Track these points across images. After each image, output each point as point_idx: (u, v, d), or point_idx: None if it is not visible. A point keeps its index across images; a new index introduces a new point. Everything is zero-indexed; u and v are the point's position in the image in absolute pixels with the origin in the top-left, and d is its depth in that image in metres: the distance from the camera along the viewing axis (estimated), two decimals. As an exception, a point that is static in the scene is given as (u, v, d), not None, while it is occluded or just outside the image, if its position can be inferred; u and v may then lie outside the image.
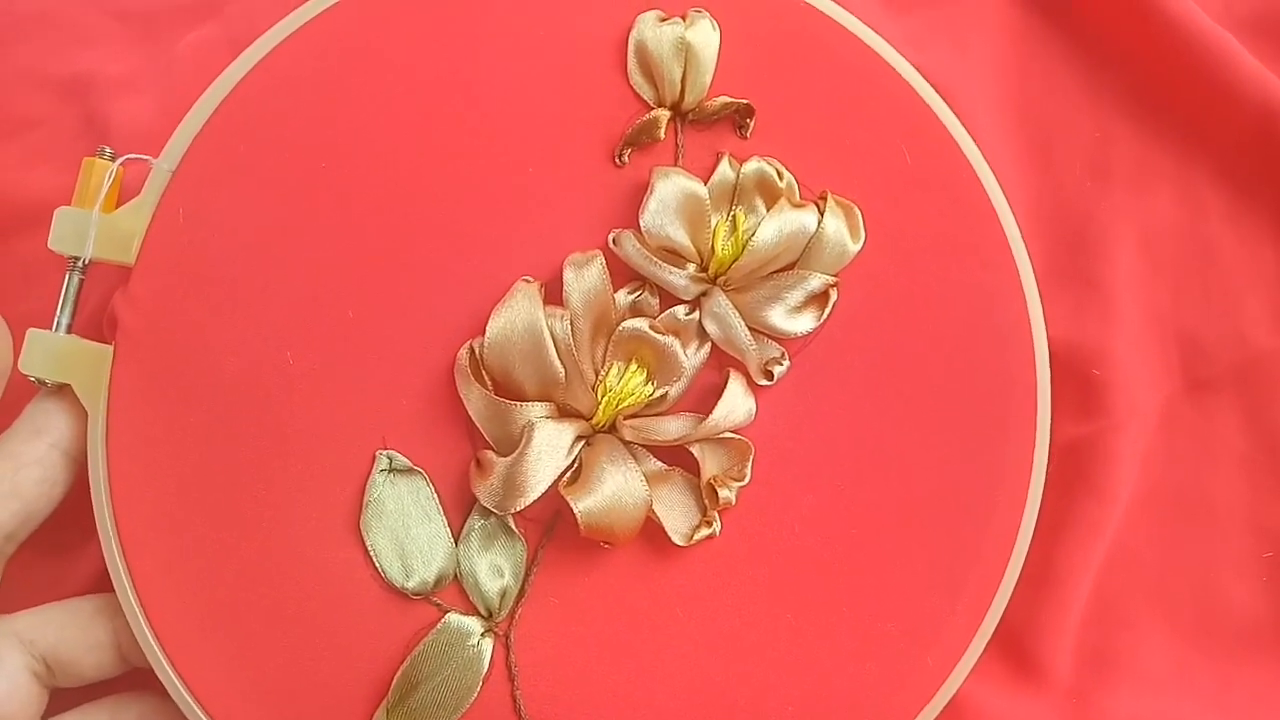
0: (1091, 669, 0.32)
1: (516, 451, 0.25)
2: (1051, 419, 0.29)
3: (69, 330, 0.26)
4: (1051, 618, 0.32)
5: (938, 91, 0.30)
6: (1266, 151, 0.33)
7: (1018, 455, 0.28)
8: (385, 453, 0.26)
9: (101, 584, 0.27)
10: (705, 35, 0.28)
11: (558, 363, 0.25)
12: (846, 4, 0.30)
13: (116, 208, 0.26)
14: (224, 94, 0.27)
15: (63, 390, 0.26)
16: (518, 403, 0.25)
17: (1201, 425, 0.34)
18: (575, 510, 0.25)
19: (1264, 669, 0.32)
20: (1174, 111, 0.34)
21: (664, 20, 0.28)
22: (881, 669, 0.27)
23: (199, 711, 0.26)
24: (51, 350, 0.26)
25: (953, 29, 0.35)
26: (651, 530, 0.26)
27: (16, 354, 0.26)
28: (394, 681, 0.25)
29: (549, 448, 0.25)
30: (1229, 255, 0.34)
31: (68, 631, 0.26)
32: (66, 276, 0.26)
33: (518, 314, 0.26)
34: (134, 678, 0.27)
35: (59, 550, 0.30)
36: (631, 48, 0.28)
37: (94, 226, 0.26)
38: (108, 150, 0.26)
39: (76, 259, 0.26)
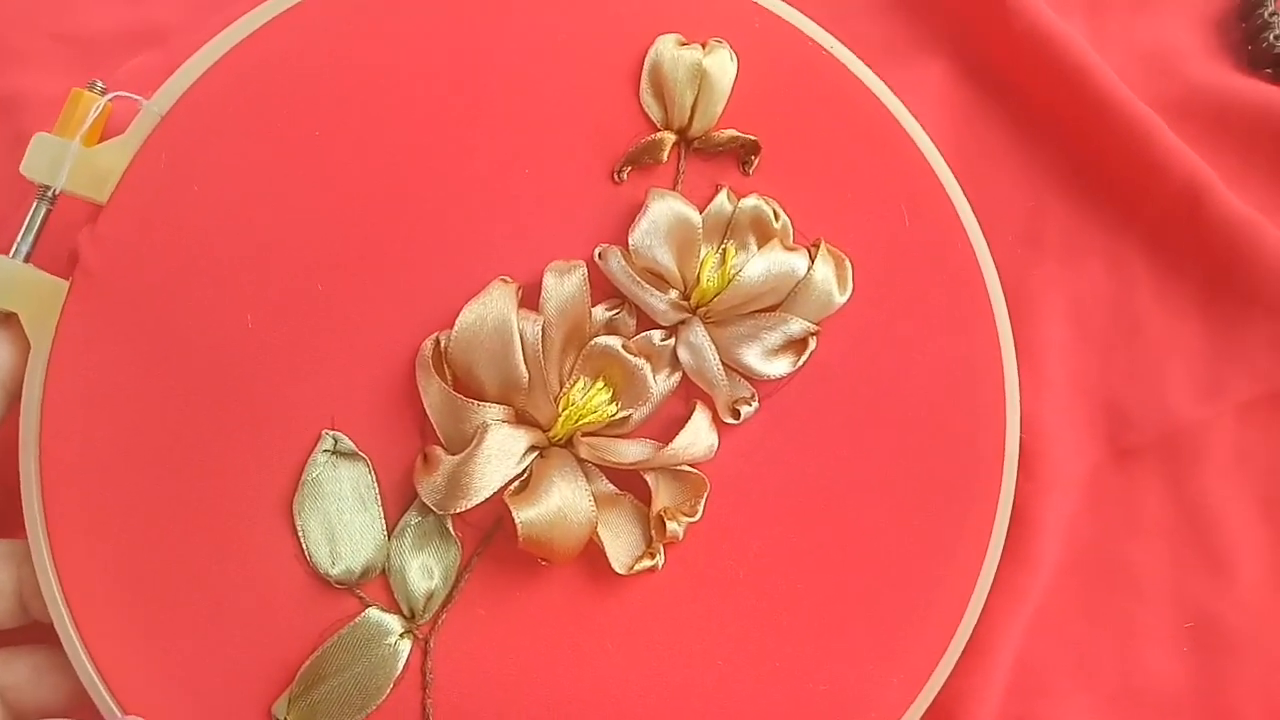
0: (1012, 738, 0.31)
1: (466, 451, 0.24)
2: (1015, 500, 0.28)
3: (27, 260, 0.25)
4: (975, 683, 0.31)
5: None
6: (1191, 227, 0.34)
7: (975, 532, 0.28)
8: (331, 433, 0.25)
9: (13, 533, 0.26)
10: (722, 65, 0.28)
11: (522, 366, 0.25)
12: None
13: (98, 143, 0.26)
14: (230, 45, 0.26)
15: (9, 319, 0.25)
16: (475, 402, 0.25)
17: (1126, 494, 0.34)
18: (516, 520, 0.24)
19: None
20: (1105, 186, 0.35)
21: (684, 44, 0.28)
22: (807, 732, 0.26)
23: (94, 676, 0.25)
24: (5, 276, 0.25)
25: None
26: (592, 554, 0.26)
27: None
28: (301, 671, 0.24)
29: (500, 452, 0.24)
30: (1155, 326, 0.34)
31: (-34, 573, 0.25)
32: (34, 204, 0.25)
33: (490, 310, 0.25)
34: (30, 632, 0.26)
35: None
36: (647, 67, 0.28)
37: (71, 157, 0.25)
38: (99, 84, 0.26)
39: (48, 188, 0.25)
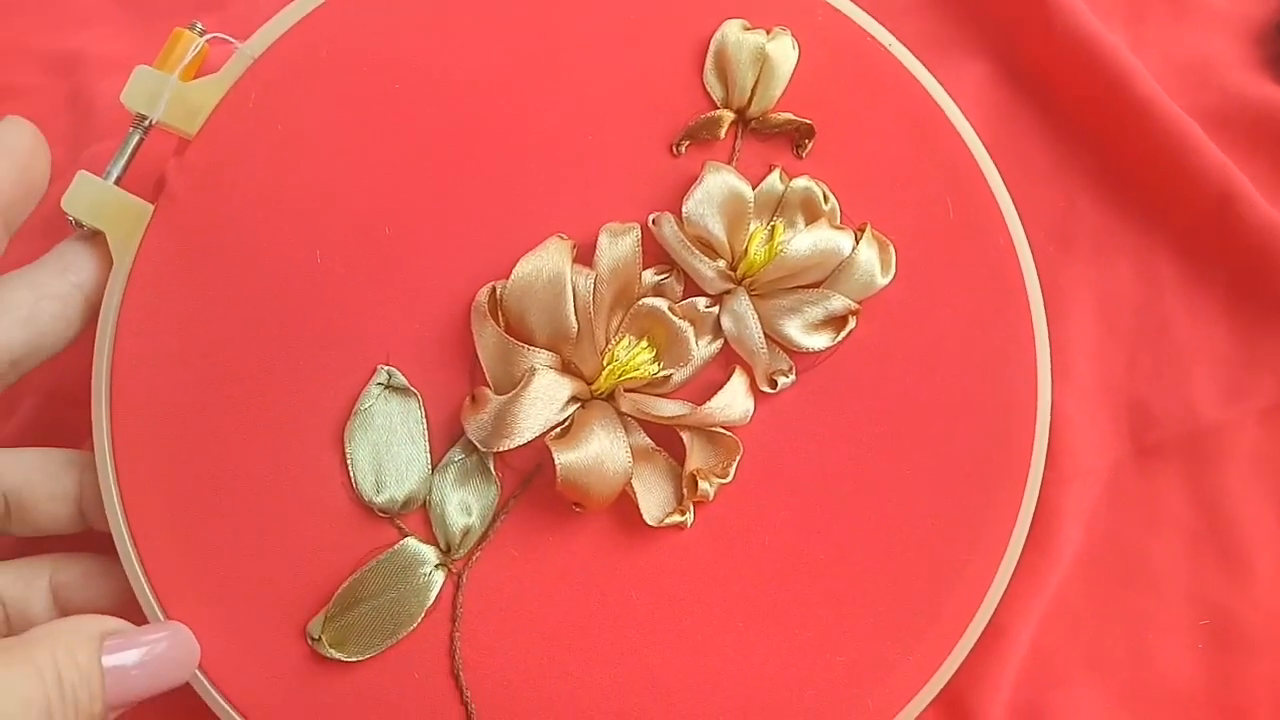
0: (1024, 724, 0.32)
1: (514, 392, 0.25)
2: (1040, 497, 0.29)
3: (118, 183, 0.27)
4: (989, 671, 0.31)
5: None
6: (1221, 232, 0.34)
7: (1000, 520, 0.28)
8: (385, 368, 0.26)
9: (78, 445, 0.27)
10: (784, 51, 0.29)
11: (573, 318, 0.26)
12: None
13: (193, 79, 0.27)
14: (320, 1, 0.28)
15: (96, 237, 0.27)
16: (527, 346, 0.26)
17: (1146, 491, 0.34)
18: (556, 461, 0.25)
19: None
20: (1137, 189, 0.35)
21: (749, 29, 0.29)
22: (820, 699, 0.27)
23: (143, 579, 0.26)
24: (97, 196, 0.26)
25: None
26: (623, 509, 0.26)
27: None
28: (338, 592, 0.25)
29: (545, 396, 0.25)
30: (1181, 328, 0.35)
31: (35, 475, 0.26)
32: (130, 132, 0.27)
33: (545, 263, 0.26)
34: (85, 540, 0.27)
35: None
36: (712, 48, 0.29)
37: (169, 89, 0.26)
38: (199, 25, 0.27)
39: (145, 118, 0.27)
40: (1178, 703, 0.32)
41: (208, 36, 0.27)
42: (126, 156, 0.27)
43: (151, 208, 0.27)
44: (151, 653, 0.24)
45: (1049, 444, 0.29)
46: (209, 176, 0.27)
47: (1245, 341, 0.35)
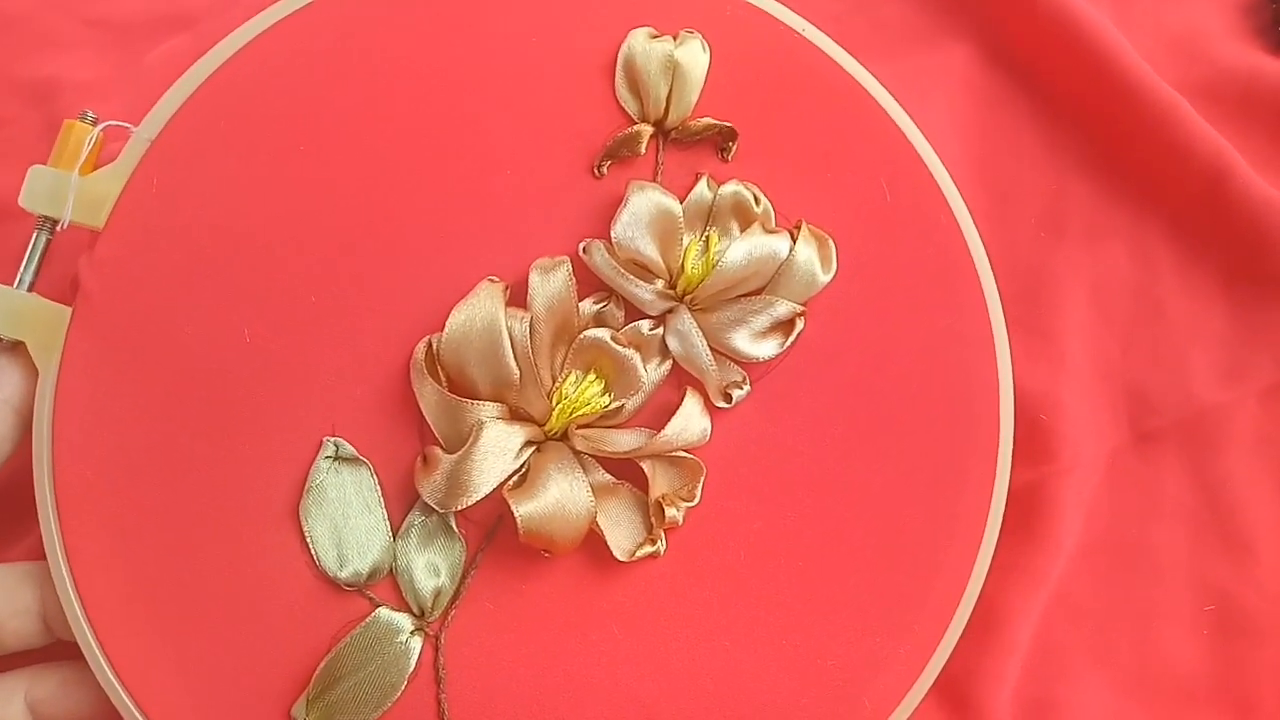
0: (1030, 718, 0.32)
1: (463, 449, 0.25)
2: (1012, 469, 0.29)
3: (30, 289, 0.26)
4: (993, 664, 0.31)
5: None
6: (1214, 210, 0.34)
7: (974, 501, 0.28)
8: (332, 439, 0.26)
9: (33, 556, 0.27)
10: (694, 55, 0.28)
11: (513, 363, 0.25)
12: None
13: (92, 171, 0.26)
14: (210, 70, 0.27)
15: (17, 348, 0.26)
16: (470, 401, 0.25)
17: (1146, 477, 0.34)
18: (516, 514, 0.24)
19: None
20: (1128, 170, 0.35)
21: (655, 37, 0.28)
22: (817, 706, 0.27)
23: (119, 687, 0.25)
24: (11, 306, 0.26)
25: (919, 83, 0.36)
26: (594, 543, 0.26)
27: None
28: (316, 672, 0.25)
29: (496, 448, 0.25)
30: (1177, 311, 0.35)
31: (-8, 595, 0.26)
32: (34, 234, 0.26)
33: (478, 311, 0.26)
34: (56, 650, 0.27)
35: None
36: (620, 61, 0.28)
37: (73, 188, 0.26)
38: (89, 114, 0.26)
39: (47, 219, 0.26)
40: (1185, 691, 0.32)
41: (101, 126, 0.26)
42: (36, 261, 0.26)
43: (69, 310, 0.26)
44: None
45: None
46: (122, 269, 0.26)
47: (1242, 321, 0.34)
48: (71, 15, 0.36)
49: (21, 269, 0.26)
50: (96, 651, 0.25)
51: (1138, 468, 0.34)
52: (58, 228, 0.26)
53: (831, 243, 0.28)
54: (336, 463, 0.26)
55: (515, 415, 0.26)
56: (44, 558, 0.26)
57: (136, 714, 0.25)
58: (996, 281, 0.31)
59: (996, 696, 0.31)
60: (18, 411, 0.26)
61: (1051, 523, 0.32)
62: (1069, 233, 0.35)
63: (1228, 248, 0.34)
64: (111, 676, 0.25)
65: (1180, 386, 0.34)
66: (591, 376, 0.26)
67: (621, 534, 0.26)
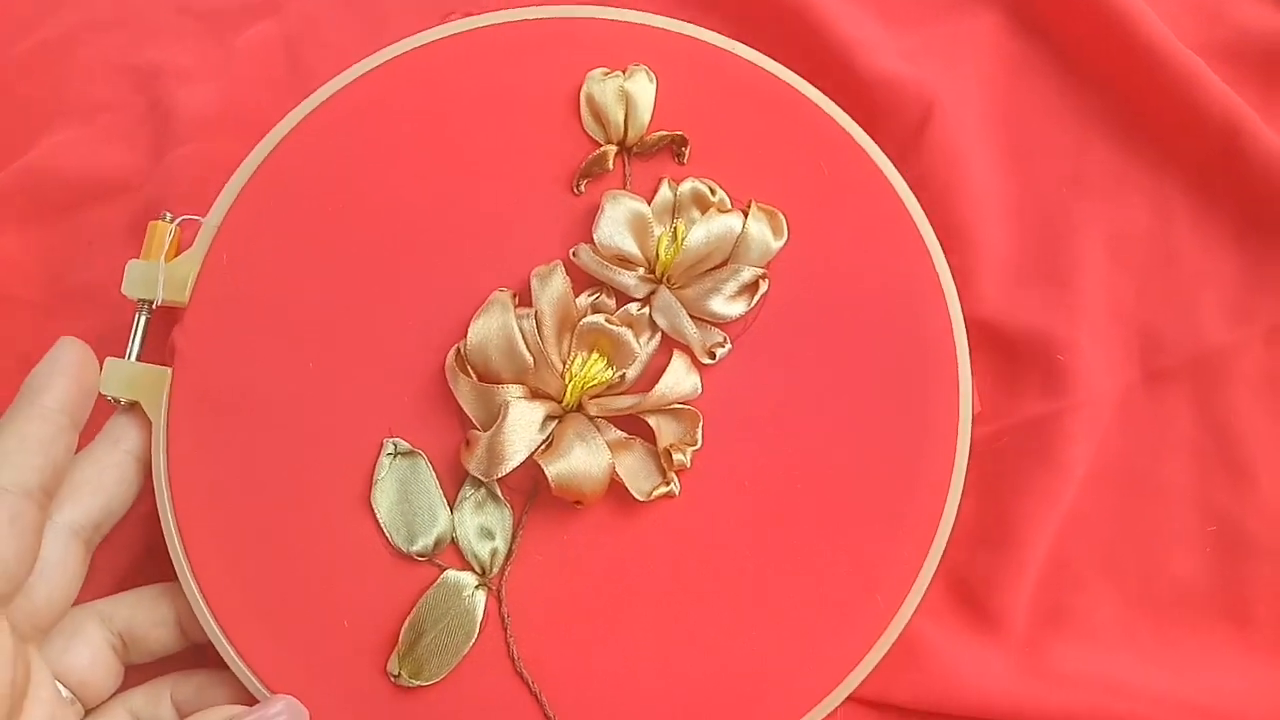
0: (1044, 623, 0.34)
1: (495, 425, 0.30)
2: (973, 379, 0.32)
3: (138, 358, 0.32)
4: (1009, 576, 0.34)
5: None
6: (1229, 165, 0.36)
7: (943, 405, 0.32)
8: (391, 440, 0.31)
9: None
10: (642, 85, 0.34)
11: (526, 353, 0.30)
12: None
13: (174, 258, 0.33)
14: (255, 165, 0.33)
15: (134, 407, 0.32)
16: (496, 385, 0.30)
17: (1156, 412, 0.36)
18: (548, 474, 0.29)
19: (1201, 631, 0.34)
20: (1147, 128, 0.37)
21: (607, 75, 0.34)
22: (835, 608, 0.30)
23: (248, 672, 0.30)
24: (125, 375, 0.32)
25: (947, 47, 0.39)
26: (620, 493, 0.31)
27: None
28: (402, 631, 0.30)
29: (523, 421, 0.30)
30: (1191, 258, 0.36)
31: (138, 611, 0.31)
32: (136, 315, 0.32)
33: (493, 317, 0.31)
34: (193, 654, 0.32)
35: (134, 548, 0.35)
36: (583, 99, 0.34)
37: (162, 274, 0.32)
38: (167, 215, 0.33)
39: (146, 301, 0.32)
40: (1186, 602, 0.34)
41: (178, 221, 0.33)
42: (140, 337, 0.32)
43: (169, 370, 0.32)
44: None
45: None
46: (208, 333, 0.32)
47: (1251, 267, 0.36)
48: (166, 5, 0.40)
49: (129, 345, 0.32)
50: (226, 645, 0.30)
51: (1148, 403, 0.36)
52: (152, 306, 0.32)
53: (781, 215, 0.33)
54: (396, 457, 0.31)
55: (536, 394, 0.31)
56: (175, 577, 0.31)
57: (264, 690, 0.30)
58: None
59: (1013, 603, 0.34)
60: (139, 459, 0.32)
61: (1065, 451, 0.34)
62: (1089, 187, 0.37)
63: (1240, 199, 0.36)
64: (241, 665, 0.30)
65: (1190, 327, 0.36)
66: (595, 355, 0.31)
67: (639, 481, 0.31)
